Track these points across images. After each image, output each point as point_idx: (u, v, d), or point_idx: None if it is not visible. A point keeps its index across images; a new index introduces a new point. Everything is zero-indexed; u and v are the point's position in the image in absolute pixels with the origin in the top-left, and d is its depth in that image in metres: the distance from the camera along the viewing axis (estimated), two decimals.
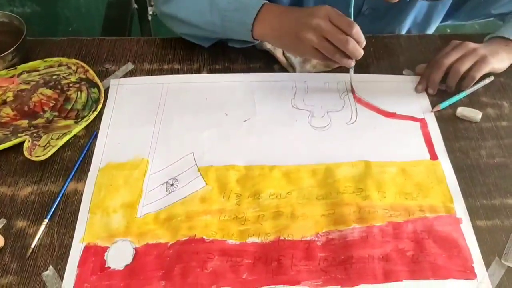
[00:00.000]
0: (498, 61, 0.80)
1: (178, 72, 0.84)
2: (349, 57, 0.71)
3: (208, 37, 0.84)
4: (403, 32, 0.97)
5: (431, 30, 0.99)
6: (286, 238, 0.63)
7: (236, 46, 0.83)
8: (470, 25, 1.23)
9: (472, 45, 0.80)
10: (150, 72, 0.84)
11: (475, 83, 0.80)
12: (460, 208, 0.66)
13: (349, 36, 0.69)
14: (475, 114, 0.77)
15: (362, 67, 0.84)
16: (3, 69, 0.80)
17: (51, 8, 1.67)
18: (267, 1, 0.76)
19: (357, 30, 0.70)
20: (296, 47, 0.74)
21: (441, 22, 1.00)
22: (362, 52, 0.71)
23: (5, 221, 0.64)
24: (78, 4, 1.68)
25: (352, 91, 0.80)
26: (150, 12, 1.28)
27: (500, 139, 0.75)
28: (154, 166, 0.71)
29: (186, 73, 0.84)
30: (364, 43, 0.71)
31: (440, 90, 0.80)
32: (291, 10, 0.75)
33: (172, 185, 0.69)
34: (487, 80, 0.82)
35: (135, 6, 1.25)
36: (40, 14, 1.68)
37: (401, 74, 0.84)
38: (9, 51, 0.79)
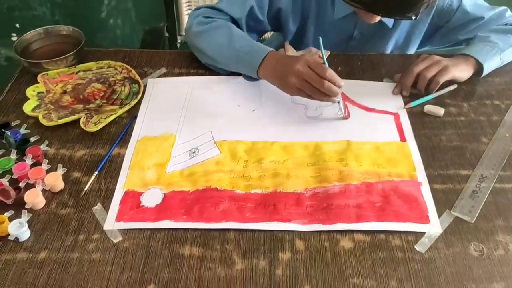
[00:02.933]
0: (459, 71, 0.99)
1: (201, 75, 1.05)
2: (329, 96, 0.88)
3: (225, 69, 1.03)
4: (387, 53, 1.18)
5: (410, 53, 1.20)
6: (281, 191, 0.81)
7: (246, 80, 1.02)
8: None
9: (437, 57, 1.00)
10: (179, 75, 1.05)
11: (441, 89, 0.99)
12: (421, 175, 0.83)
13: (324, 79, 0.87)
14: (439, 110, 0.95)
15: (350, 75, 1.04)
16: (65, 67, 1.02)
17: (92, 40, 1.91)
18: (273, 50, 0.95)
19: (330, 73, 0.86)
20: (285, 88, 0.93)
21: (419, 48, 1.21)
22: (337, 91, 0.87)
23: (65, 169, 0.83)
24: (115, 37, 1.94)
25: (345, 116, 0.95)
26: (179, 40, 1.52)
27: (458, 129, 0.92)
28: (180, 139, 0.90)
29: (209, 76, 1.04)
30: (341, 82, 0.87)
31: (412, 94, 0.99)
32: (283, 58, 0.93)
33: (194, 152, 0.87)
34: (451, 87, 1.01)
35: (167, 34, 1.49)
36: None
37: (381, 81, 1.04)
38: (71, 53, 1.02)
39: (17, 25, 1.88)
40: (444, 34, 1.13)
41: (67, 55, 1.02)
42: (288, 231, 0.75)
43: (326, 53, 1.07)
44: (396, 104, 0.98)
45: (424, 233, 0.75)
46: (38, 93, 0.98)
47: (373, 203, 0.79)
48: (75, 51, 1.03)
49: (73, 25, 1.08)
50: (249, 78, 1.01)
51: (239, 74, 1.02)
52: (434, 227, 0.75)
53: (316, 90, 0.88)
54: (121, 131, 0.92)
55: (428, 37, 1.15)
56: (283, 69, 0.91)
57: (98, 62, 1.05)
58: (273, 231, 0.75)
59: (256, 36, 1.13)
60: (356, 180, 0.82)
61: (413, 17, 0.89)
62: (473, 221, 0.76)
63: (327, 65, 0.90)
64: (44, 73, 1.00)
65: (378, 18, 0.95)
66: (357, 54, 1.11)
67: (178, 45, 1.52)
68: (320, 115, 0.95)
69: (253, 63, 0.95)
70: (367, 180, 0.82)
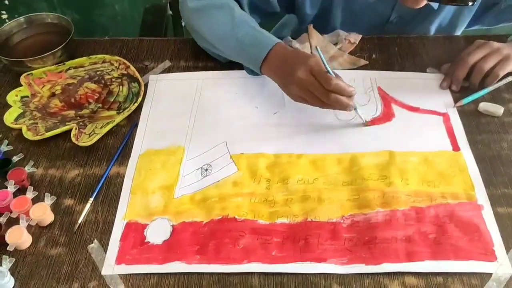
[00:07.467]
0: None
1: (211, 69, 0.89)
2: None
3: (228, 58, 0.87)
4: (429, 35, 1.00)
5: (457, 34, 1.02)
6: (313, 220, 0.67)
7: (248, 73, 0.85)
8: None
9: (496, 44, 0.83)
10: (186, 69, 0.90)
11: (498, 81, 0.83)
12: (481, 196, 0.69)
13: (329, 91, 0.71)
14: (497, 109, 0.79)
15: (386, 64, 0.88)
16: (53, 65, 0.87)
17: (89, 16, 1.75)
18: (280, 41, 0.78)
19: (336, 85, 0.70)
20: (288, 95, 0.77)
21: (467, 27, 1.02)
22: (347, 102, 0.71)
23: (55, 198, 0.70)
24: (114, 13, 1.77)
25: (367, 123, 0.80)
26: None
27: None
28: (189, 153, 0.76)
29: (219, 70, 0.89)
30: (351, 93, 0.72)
31: (463, 87, 0.83)
32: (289, 57, 0.76)
33: (206, 170, 0.74)
34: (510, 78, 0.84)
35: (170, 12, 1.32)
36: (79, 21, 1.77)
37: (425, 72, 0.88)
38: (58, 48, 0.87)
39: (6, 2, 1.72)
40: (501, 11, 0.94)
41: (54, 50, 0.86)
42: (324, 274, 0.62)
43: (356, 38, 0.91)
44: (445, 101, 0.82)
45: (490, 274, 0.61)
46: (22, 97, 0.84)
47: (425, 234, 0.65)
48: (63, 44, 0.87)
49: None
50: (251, 72, 0.84)
51: None
52: (502, 266, 0.62)
53: (321, 102, 0.73)
54: (120, 143, 0.78)
55: (479, 16, 0.97)
56: (286, 73, 0.75)
57: (90, 56, 0.89)
58: (306, 274, 0.62)
59: (259, 19, 0.95)
60: (404, 204, 0.68)
61: (470, 3, 0.73)
62: None
63: (332, 74, 0.72)
64: (28, 73, 0.85)
65: (424, 2, 0.78)
66: (394, 37, 0.94)
67: (183, 23, 1.34)
68: (354, 118, 0.80)
69: (256, 56, 0.78)
70: (417, 204, 0.68)
